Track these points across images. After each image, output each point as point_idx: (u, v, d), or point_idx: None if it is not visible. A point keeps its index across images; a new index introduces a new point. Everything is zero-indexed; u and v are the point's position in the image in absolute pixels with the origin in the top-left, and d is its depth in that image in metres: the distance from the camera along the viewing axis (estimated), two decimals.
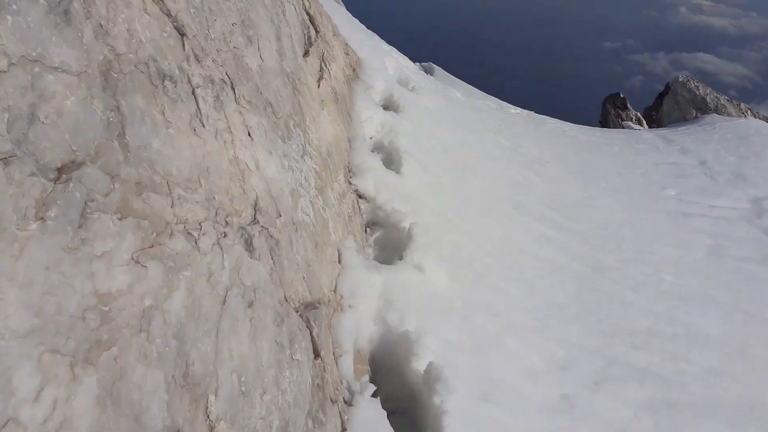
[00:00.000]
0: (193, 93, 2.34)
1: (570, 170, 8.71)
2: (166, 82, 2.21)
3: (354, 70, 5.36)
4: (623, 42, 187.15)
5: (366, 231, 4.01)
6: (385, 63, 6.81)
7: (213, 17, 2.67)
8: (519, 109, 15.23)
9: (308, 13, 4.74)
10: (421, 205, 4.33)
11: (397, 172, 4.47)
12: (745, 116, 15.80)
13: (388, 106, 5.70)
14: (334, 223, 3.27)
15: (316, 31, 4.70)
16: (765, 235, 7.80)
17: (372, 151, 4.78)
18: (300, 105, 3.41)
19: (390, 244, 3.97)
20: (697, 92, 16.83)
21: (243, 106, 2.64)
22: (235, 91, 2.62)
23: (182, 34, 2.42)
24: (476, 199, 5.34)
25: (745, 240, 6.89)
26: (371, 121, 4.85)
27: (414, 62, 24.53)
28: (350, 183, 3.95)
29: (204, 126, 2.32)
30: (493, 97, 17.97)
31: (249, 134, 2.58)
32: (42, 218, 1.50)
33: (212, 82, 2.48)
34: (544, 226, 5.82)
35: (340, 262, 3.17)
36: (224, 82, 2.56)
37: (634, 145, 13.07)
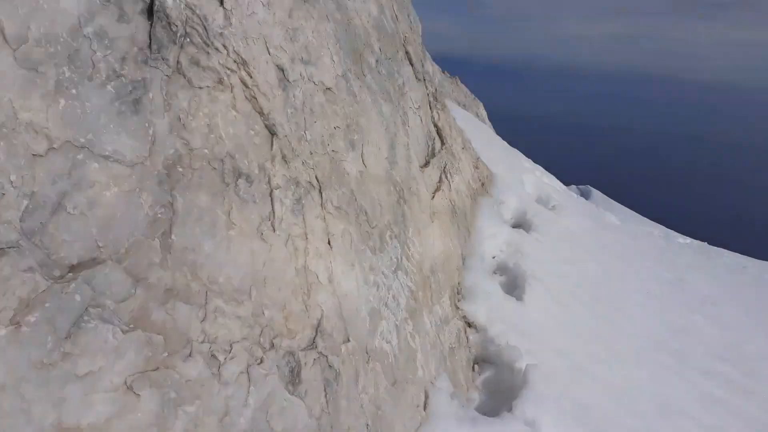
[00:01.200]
0: (270, 194, 2.15)
1: (749, 315, 7.05)
2: (240, 181, 2.04)
3: (483, 184, 5.03)
4: None
5: (473, 368, 3.38)
6: (523, 180, 6.38)
7: (313, 119, 2.56)
8: (688, 239, 13.40)
9: (436, 125, 4.61)
10: (545, 344, 3.59)
11: (519, 299, 3.83)
12: None
13: (520, 224, 5.17)
14: (424, 355, 2.74)
15: (442, 143, 4.51)
16: None
17: (493, 273, 4.23)
18: (404, 215, 3.11)
19: (500, 388, 3.26)
20: None
21: (329, 212, 2.40)
22: (323, 195, 2.40)
23: (272, 134, 2.30)
24: (622, 343, 4.38)
25: None
26: (494, 239, 4.35)
27: (570, 184, 23.73)
28: (457, 308, 3.43)
29: (274, 230, 2.08)
30: (658, 224, 16.21)
31: (329, 242, 2.29)
32: (18, 323, 1.28)
33: (297, 184, 2.29)
34: (713, 384, 4.55)
35: (425, 408, 2.59)
36: (311, 185, 2.36)
37: None
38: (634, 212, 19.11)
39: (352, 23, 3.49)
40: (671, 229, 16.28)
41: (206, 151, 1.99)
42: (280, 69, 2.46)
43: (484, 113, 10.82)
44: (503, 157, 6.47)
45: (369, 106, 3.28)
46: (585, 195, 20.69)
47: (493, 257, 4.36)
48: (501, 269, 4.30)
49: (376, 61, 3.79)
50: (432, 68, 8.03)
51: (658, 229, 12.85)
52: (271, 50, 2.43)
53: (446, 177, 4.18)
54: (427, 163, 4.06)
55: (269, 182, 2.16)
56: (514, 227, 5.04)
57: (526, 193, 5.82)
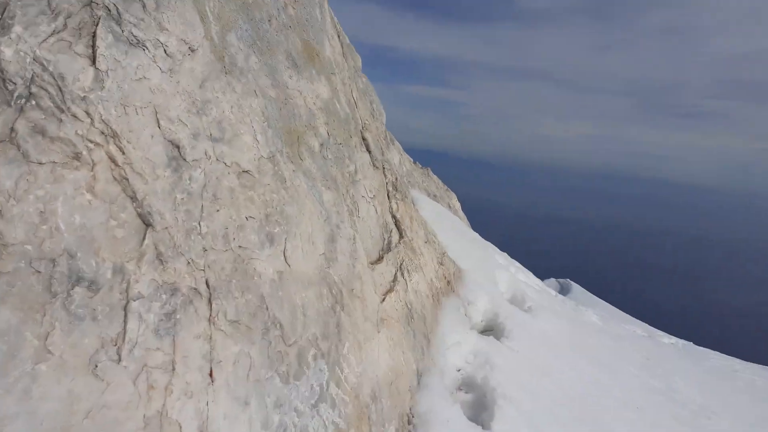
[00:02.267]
0: (125, 308, 1.57)
1: (745, 428, 6.33)
2: (77, 290, 1.47)
3: (449, 282, 4.49)
4: None
5: None
6: (496, 276, 5.87)
7: (216, 207, 2.05)
8: (673, 338, 12.80)
9: (394, 216, 4.15)
10: None
11: (486, 427, 3.15)
12: None
13: (491, 328, 4.57)
14: None
15: (401, 236, 4.03)
16: None
17: (458, 389, 3.57)
18: (339, 325, 2.52)
19: None
20: None
21: (220, 328, 1.81)
22: (213, 306, 1.83)
23: (147, 224, 1.76)
24: None
25: None
26: (459, 348, 3.74)
27: (548, 278, 23.26)
28: None
29: (120, 360, 1.48)
30: (641, 322, 15.61)
31: (210, 373, 1.69)
32: None
33: (173, 292, 1.72)
34: None
35: None
36: (197, 292, 1.79)
37: None
38: (615, 308, 18.58)
39: (291, 102, 3.11)
40: (651, 323, 15.69)
41: (28, 247, 1.43)
42: (175, 145, 1.98)
43: (457, 205, 10.53)
44: (474, 252, 5.99)
45: (303, 193, 2.79)
46: (565, 289, 20.21)
47: (458, 370, 3.71)
48: (467, 385, 3.64)
49: (321, 144, 3.38)
50: (400, 157, 7.79)
51: (641, 328, 12.25)
52: (162, 123, 1.96)
53: (403, 275, 3.64)
54: (380, 259, 3.54)
55: (126, 291, 1.58)
56: (484, 332, 4.44)
57: (498, 292, 5.28)
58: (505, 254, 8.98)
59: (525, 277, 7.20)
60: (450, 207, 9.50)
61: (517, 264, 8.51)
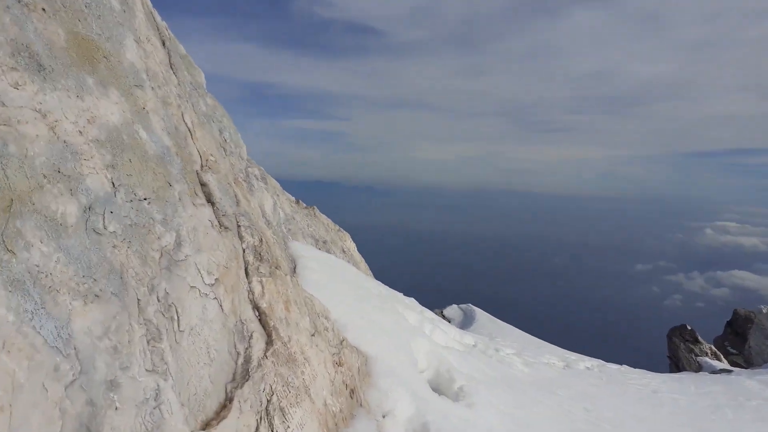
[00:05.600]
0: None
1: None
2: None
3: (353, 392, 2.99)
4: (655, 264, 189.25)
5: None
6: (413, 350, 4.49)
7: None
8: (587, 360, 12.34)
9: (257, 307, 2.59)
10: None
11: None
12: None
13: None
14: None
15: (269, 341, 2.47)
16: None
17: None
18: None
19: None
20: None
21: None
22: None
23: None
24: None
25: None
26: None
27: (450, 306, 22.59)
28: None
29: None
30: (553, 347, 15.14)
31: None
32: None
33: None
34: None
35: None
36: None
37: (745, 403, 9.81)
38: (520, 330, 18.24)
39: (5, 131, 1.48)
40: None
41: None
42: None
43: (352, 246, 9.10)
44: (382, 320, 4.53)
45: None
46: (469, 317, 19.56)
47: None
48: None
49: (88, 208, 1.76)
50: (275, 201, 6.19)
51: (555, 355, 11.58)
52: None
53: (272, 423, 2.07)
54: (224, 406, 1.95)
55: None
56: None
57: (420, 380, 3.87)
58: (413, 300, 7.66)
59: (444, 335, 5.89)
60: (344, 251, 8.03)
61: (429, 313, 7.22)
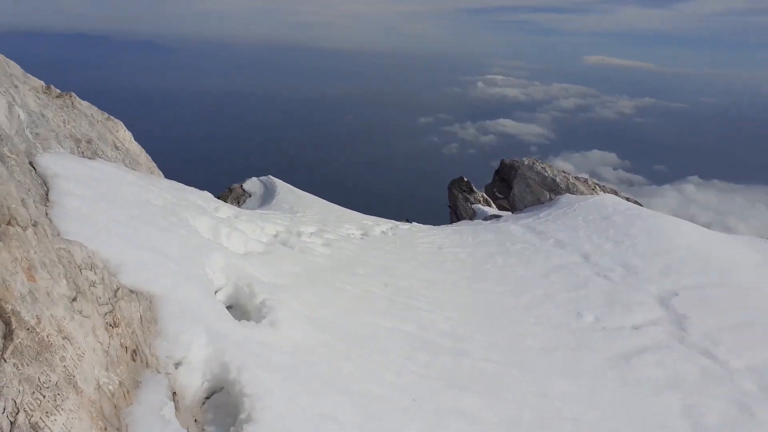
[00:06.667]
0: None
1: (472, 321, 6.64)
2: None
3: (134, 353, 2.62)
4: (435, 116, 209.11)
5: None
6: (205, 266, 4.16)
7: None
8: (384, 224, 13.41)
9: None
10: None
11: None
12: (595, 192, 15.95)
13: (222, 386, 3.00)
14: None
15: (7, 331, 1.94)
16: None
17: None
18: None
19: None
20: (546, 173, 16.74)
21: None
22: None
23: None
24: None
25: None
26: None
27: (250, 179, 21.95)
28: None
29: None
30: (348, 210, 15.97)
31: None
32: None
33: None
34: None
35: None
36: None
37: (510, 247, 11.88)
38: (320, 198, 18.82)
39: None
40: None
41: None
42: None
43: (126, 136, 7.83)
44: (167, 243, 4.04)
45: None
46: (270, 189, 19.38)
47: None
48: None
49: None
50: (14, 95, 4.72)
51: (354, 224, 12.27)
52: None
53: None
54: None
55: None
56: (212, 395, 2.85)
57: (216, 310, 3.62)
58: (206, 196, 7.09)
59: (241, 235, 5.61)
60: (117, 148, 6.86)
61: (224, 210, 6.77)
